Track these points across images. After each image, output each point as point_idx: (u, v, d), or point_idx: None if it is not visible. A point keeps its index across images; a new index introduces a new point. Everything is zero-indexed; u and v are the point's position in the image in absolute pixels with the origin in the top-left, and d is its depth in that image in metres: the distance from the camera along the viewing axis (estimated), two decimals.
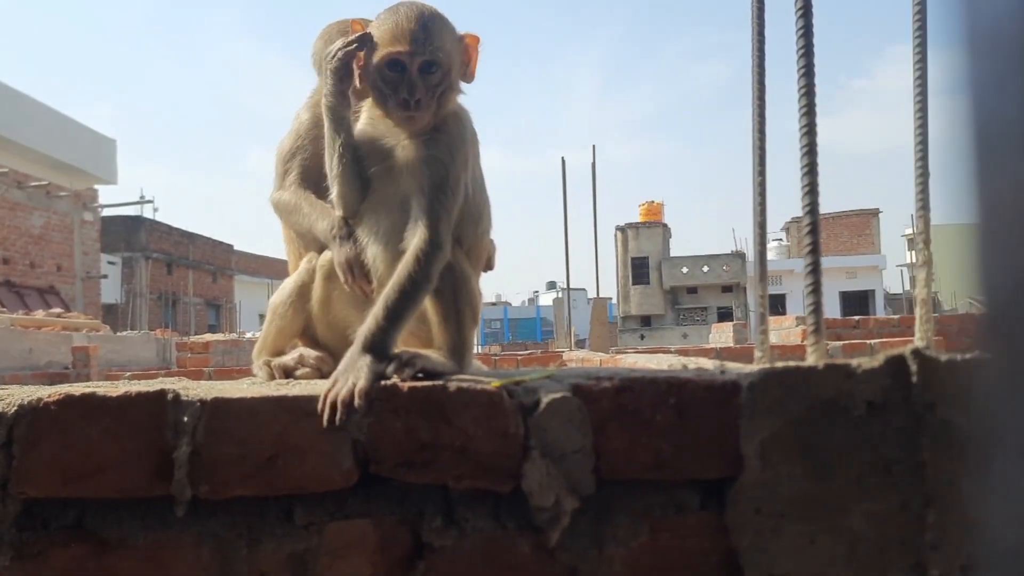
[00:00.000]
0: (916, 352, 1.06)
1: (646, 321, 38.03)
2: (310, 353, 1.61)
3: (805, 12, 1.15)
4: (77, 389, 1.11)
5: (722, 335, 9.90)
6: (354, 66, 1.47)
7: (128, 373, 6.34)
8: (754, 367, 1.26)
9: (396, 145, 1.48)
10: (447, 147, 1.45)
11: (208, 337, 10.98)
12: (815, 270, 1.15)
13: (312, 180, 1.66)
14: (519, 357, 7.20)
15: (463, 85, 1.53)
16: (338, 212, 1.55)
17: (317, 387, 1.18)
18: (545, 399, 1.06)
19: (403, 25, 1.40)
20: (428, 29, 1.40)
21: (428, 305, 1.42)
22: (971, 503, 1.02)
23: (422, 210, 1.40)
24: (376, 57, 1.42)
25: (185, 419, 1.07)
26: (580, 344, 11.93)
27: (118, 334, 11.80)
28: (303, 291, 1.64)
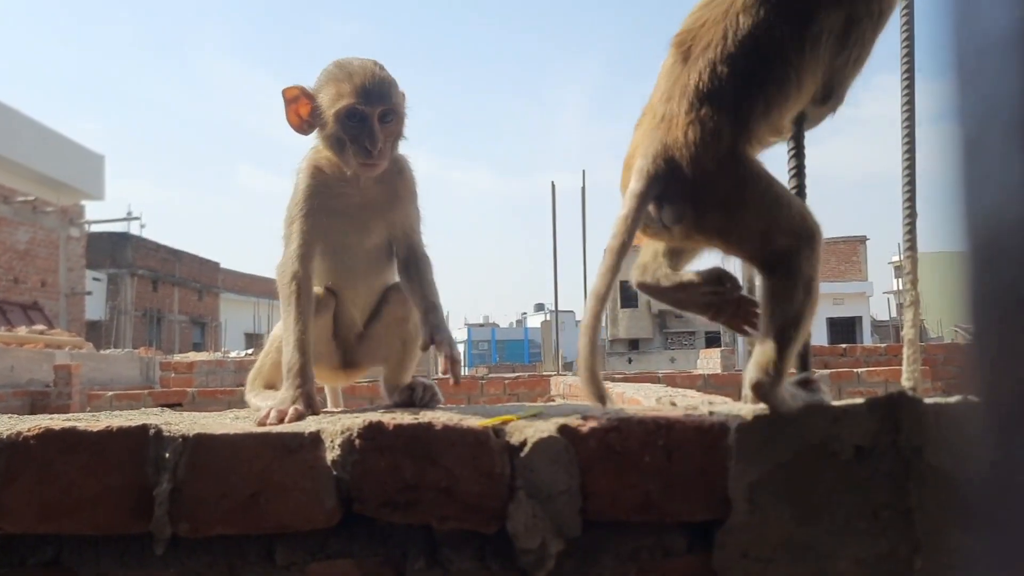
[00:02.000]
0: (902, 396, 1.06)
1: (634, 345, 38.04)
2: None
3: None
4: (57, 423, 1.09)
5: (710, 361, 9.92)
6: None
7: (110, 393, 6.26)
8: (742, 406, 1.25)
9: (357, 197, 1.55)
10: (411, 191, 1.61)
11: (192, 356, 10.90)
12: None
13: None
14: (506, 380, 7.16)
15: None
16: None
17: (301, 423, 1.16)
18: (532, 439, 1.05)
19: (362, 77, 1.47)
20: (385, 81, 1.49)
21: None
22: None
23: (414, 243, 1.60)
24: (336, 107, 1.45)
25: (167, 455, 1.06)
26: (568, 367, 11.89)
27: (101, 352, 11.69)
28: None
